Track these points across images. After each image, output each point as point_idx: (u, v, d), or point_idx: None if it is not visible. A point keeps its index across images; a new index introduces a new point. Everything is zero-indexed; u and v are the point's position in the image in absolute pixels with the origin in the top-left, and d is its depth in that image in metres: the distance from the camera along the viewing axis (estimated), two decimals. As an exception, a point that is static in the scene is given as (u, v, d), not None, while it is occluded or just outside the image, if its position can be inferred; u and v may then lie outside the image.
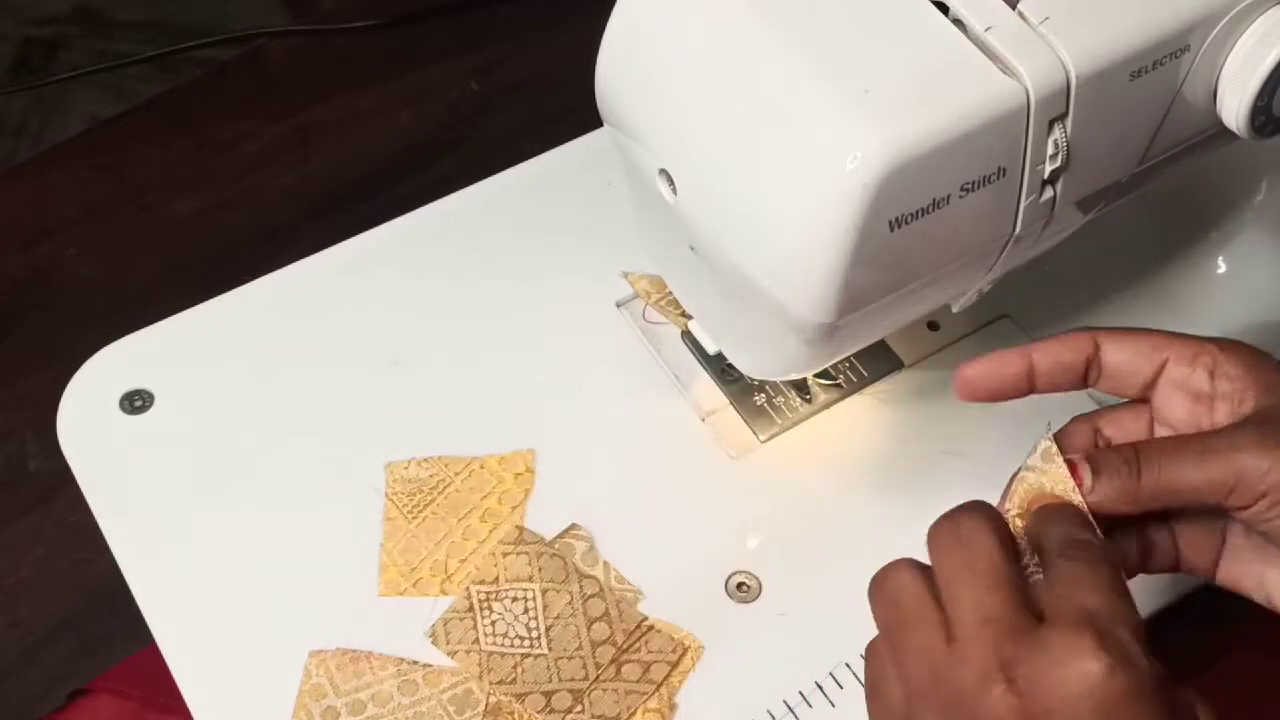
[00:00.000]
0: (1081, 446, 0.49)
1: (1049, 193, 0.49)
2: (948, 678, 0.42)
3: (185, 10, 0.92)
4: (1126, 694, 0.40)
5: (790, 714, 0.55)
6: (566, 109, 0.81)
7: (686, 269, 0.55)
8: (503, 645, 0.56)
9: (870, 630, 0.58)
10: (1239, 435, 0.46)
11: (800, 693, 0.55)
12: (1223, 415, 0.47)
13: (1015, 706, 0.40)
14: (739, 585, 0.58)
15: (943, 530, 0.45)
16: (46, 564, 0.68)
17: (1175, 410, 0.48)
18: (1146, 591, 0.58)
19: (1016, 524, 0.47)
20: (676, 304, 0.65)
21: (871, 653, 0.46)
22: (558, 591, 0.57)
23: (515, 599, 0.57)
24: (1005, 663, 0.41)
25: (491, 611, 0.57)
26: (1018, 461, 0.62)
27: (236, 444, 0.62)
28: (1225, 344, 0.48)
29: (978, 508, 0.46)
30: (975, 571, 0.43)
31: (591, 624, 0.57)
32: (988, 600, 0.42)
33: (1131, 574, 0.49)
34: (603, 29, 0.51)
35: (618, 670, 0.56)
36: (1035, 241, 0.51)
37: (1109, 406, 0.51)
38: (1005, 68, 0.46)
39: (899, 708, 0.43)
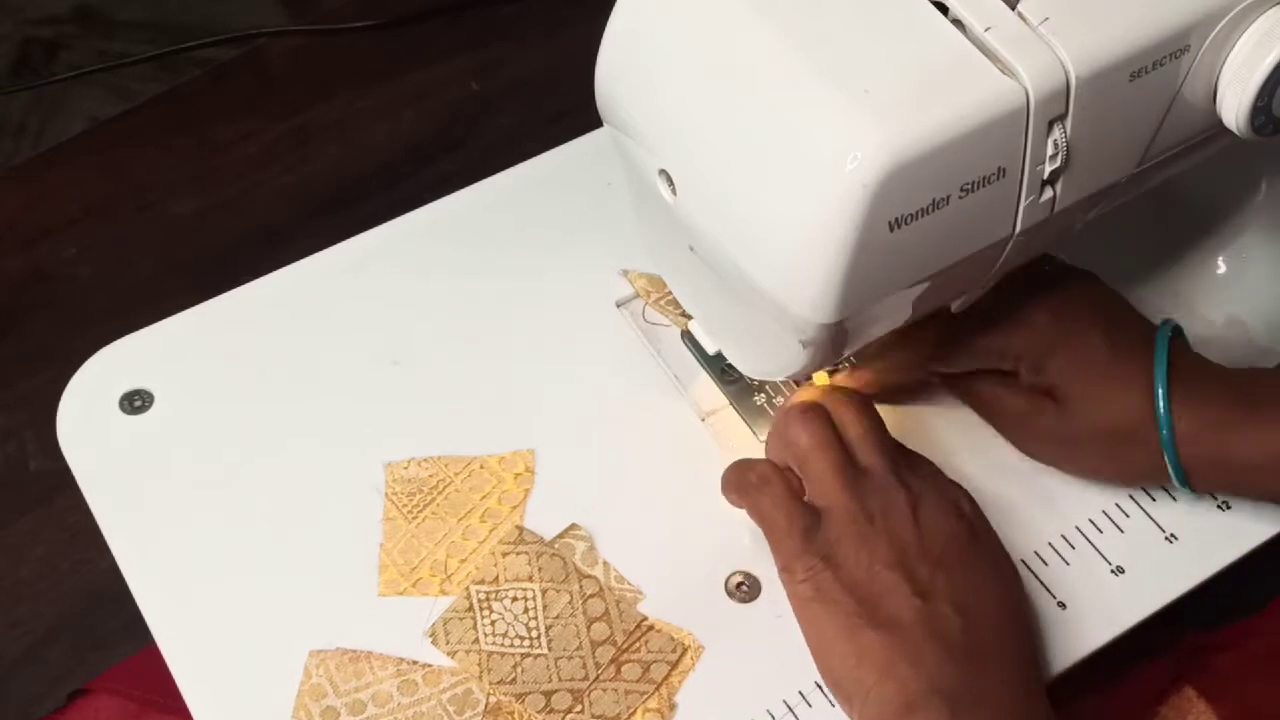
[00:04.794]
0: None
1: (1049, 193, 0.49)
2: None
3: (185, 10, 0.92)
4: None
5: (790, 714, 0.55)
6: (566, 109, 0.81)
7: (686, 269, 0.55)
8: (503, 645, 0.56)
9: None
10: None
11: (800, 692, 0.55)
12: None
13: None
14: (739, 585, 0.58)
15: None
16: (46, 564, 0.68)
17: None
18: (1145, 591, 0.58)
19: None
20: (676, 303, 0.65)
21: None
22: (558, 591, 0.58)
23: (515, 599, 0.57)
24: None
25: (491, 611, 0.57)
26: (1017, 460, 0.62)
27: (236, 444, 0.62)
28: None
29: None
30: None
31: (591, 624, 0.57)
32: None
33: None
34: (603, 29, 0.51)
35: (618, 670, 0.56)
36: (1035, 241, 0.51)
37: None
38: (1005, 68, 0.46)
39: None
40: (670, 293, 0.65)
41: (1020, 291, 0.58)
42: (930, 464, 0.59)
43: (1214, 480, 0.57)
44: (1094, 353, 0.57)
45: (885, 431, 0.58)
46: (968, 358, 0.60)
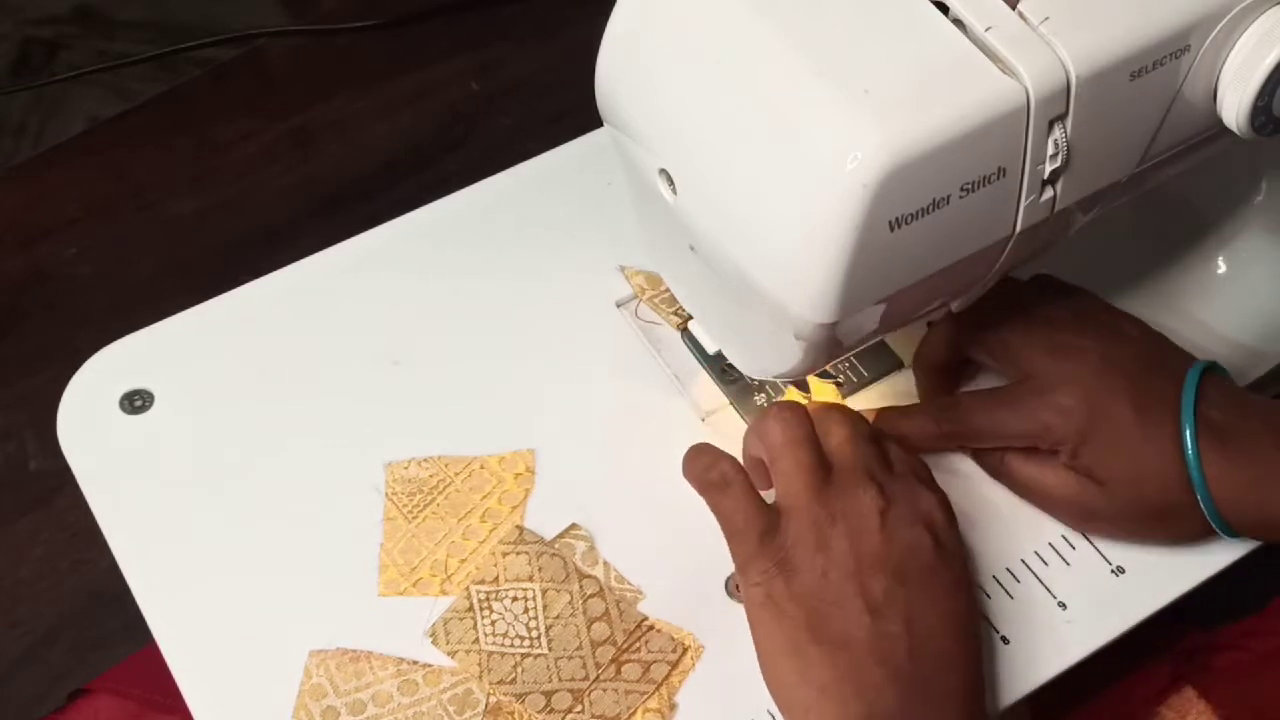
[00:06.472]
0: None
1: (1049, 193, 0.49)
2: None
3: (185, 10, 0.92)
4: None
5: (790, 714, 0.55)
6: (566, 109, 0.81)
7: (686, 269, 0.55)
8: (503, 645, 0.56)
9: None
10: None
11: (800, 693, 0.55)
12: None
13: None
14: (739, 585, 0.58)
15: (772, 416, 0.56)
16: (46, 564, 0.68)
17: None
18: (1145, 591, 0.58)
19: None
20: (671, 301, 0.65)
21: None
22: (558, 591, 0.58)
23: (515, 599, 0.57)
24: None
25: (491, 611, 0.57)
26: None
27: (236, 444, 0.62)
28: None
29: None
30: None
31: (591, 624, 0.57)
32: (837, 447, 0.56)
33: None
34: (603, 29, 0.51)
35: (618, 670, 0.56)
36: (1035, 241, 0.51)
37: None
38: (1005, 68, 0.46)
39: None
40: (666, 290, 0.65)
41: (1037, 352, 0.58)
42: (915, 463, 0.57)
43: (1263, 534, 0.57)
44: (1126, 429, 0.55)
45: (867, 436, 0.56)
46: (999, 439, 0.59)
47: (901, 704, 0.50)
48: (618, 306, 0.66)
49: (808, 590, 0.52)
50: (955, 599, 0.54)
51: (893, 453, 0.57)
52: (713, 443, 0.61)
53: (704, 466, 0.56)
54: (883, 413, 0.61)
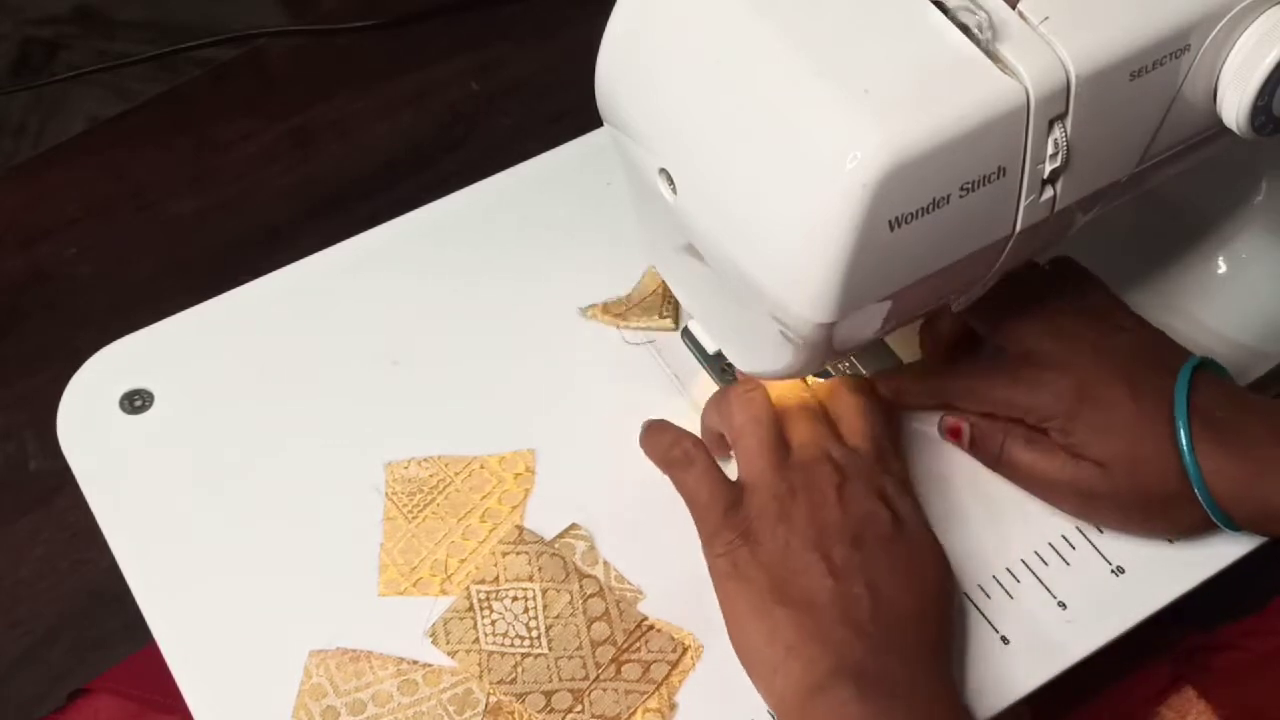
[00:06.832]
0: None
1: (1049, 192, 0.49)
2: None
3: (185, 10, 0.92)
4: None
5: (790, 714, 0.55)
6: (566, 109, 0.81)
7: (686, 268, 0.55)
8: (503, 645, 0.56)
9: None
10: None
11: (800, 692, 0.55)
12: None
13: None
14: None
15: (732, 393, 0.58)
16: (46, 564, 0.68)
17: None
18: (1145, 591, 0.58)
19: None
20: (646, 311, 0.65)
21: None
22: (558, 591, 0.58)
23: (515, 598, 0.57)
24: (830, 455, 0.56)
25: (491, 611, 0.57)
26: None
27: (236, 444, 0.62)
28: None
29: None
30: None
31: (591, 623, 0.57)
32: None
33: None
34: (603, 29, 0.51)
35: (618, 670, 0.56)
36: (1035, 241, 0.51)
37: None
38: (1005, 68, 0.46)
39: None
40: (635, 306, 0.65)
41: (1038, 334, 0.58)
42: (875, 433, 0.58)
43: (1267, 528, 0.57)
44: (1121, 412, 0.56)
45: (822, 415, 0.58)
46: (984, 404, 0.59)
47: (867, 659, 0.51)
48: (618, 306, 0.66)
49: (771, 559, 0.54)
50: (915, 562, 0.55)
51: (851, 427, 0.58)
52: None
53: (667, 444, 0.58)
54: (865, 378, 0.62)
